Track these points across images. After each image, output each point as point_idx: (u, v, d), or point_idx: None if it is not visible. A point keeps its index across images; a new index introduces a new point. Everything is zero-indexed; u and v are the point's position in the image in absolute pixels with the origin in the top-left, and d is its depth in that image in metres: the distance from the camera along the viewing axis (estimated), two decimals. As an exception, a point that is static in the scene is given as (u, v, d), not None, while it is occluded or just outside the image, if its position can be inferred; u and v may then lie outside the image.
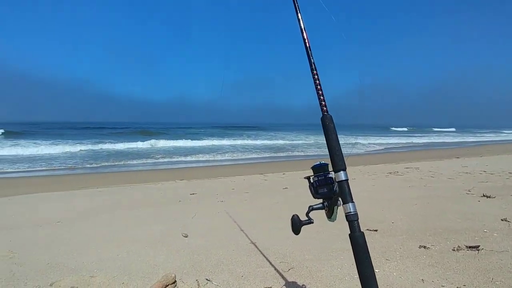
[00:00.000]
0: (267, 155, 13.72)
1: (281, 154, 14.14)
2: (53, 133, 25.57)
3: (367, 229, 2.68)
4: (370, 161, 9.51)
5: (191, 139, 20.14)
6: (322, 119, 1.11)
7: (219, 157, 12.81)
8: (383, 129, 49.02)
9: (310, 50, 1.20)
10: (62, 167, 9.75)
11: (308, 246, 2.45)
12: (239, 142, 20.38)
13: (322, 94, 1.15)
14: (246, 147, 17.67)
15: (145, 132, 29.04)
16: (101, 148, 15.07)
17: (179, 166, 10.27)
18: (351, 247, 0.96)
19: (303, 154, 14.35)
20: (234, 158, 12.69)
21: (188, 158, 12.33)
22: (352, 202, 1.04)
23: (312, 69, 1.17)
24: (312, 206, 1.20)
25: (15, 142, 17.03)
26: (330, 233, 2.69)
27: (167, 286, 1.35)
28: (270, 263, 2.15)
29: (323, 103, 1.14)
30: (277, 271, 2.02)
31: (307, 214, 1.18)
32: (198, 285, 1.87)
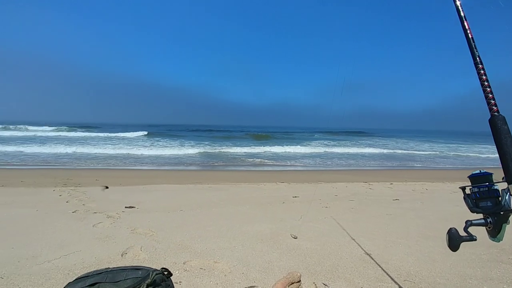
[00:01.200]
0: (373, 163, 12.81)
1: (389, 163, 12.96)
2: (178, 135, 29.60)
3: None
4: None
5: (293, 145, 20.29)
6: (492, 120, 0.95)
7: (318, 162, 12.63)
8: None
9: (473, 41, 1.05)
10: (182, 164, 11.25)
11: (437, 267, 2.15)
12: (338, 149, 18.95)
13: (491, 91, 0.98)
14: (347, 153, 16.73)
15: (252, 135, 30.85)
16: (212, 150, 16.22)
17: (278, 169, 10.55)
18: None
19: (411, 164, 12.83)
20: (334, 163, 12.31)
21: (288, 162, 12.55)
22: (538, 221, 0.85)
23: (476, 63, 1.02)
24: (471, 221, 1.03)
25: (154, 141, 21.00)
26: (463, 256, 2.31)
27: (293, 283, 1.36)
28: (392, 279, 1.97)
29: (493, 101, 0.97)
30: (402, 289, 1.83)
31: (465, 230, 1.02)
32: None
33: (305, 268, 2.16)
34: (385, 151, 18.35)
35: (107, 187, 3.97)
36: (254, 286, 1.86)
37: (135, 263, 2.24)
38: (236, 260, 2.30)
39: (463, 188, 1.11)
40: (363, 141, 27.99)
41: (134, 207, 4.09)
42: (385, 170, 10.60)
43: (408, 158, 15.26)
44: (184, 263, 2.21)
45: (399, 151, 18.25)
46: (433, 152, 18.09)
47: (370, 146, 21.99)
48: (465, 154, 17.69)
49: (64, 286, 1.07)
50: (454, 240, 1.01)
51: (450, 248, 1.02)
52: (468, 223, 1.03)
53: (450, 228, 1.04)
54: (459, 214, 3.83)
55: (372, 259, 2.31)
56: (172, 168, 10.16)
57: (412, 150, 19.39)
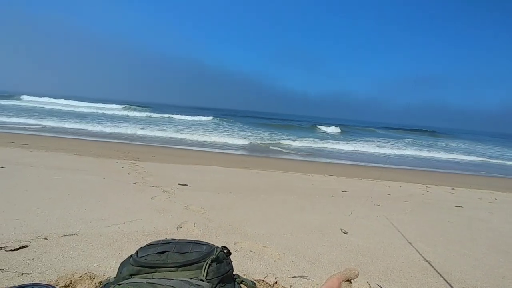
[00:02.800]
0: (429, 164, 11.88)
1: (450, 165, 11.91)
2: (237, 120, 29.33)
3: None
4: None
5: (350, 140, 19.11)
6: None
7: (370, 158, 12.06)
8: None
9: None
10: (232, 148, 11.57)
11: (507, 285, 1.93)
12: (408, 151, 15.91)
13: None
14: (408, 155, 14.79)
15: (312, 127, 29.64)
16: (269, 141, 15.12)
17: (326, 161, 10.29)
18: None
19: (476, 169, 11.61)
20: (388, 161, 11.64)
21: (337, 155, 12.19)
22: None
23: None
24: None
25: (215, 126, 21.58)
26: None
27: (349, 280, 1.29)
28: (456, 291, 1.81)
29: None
30: (469, 304, 1.67)
31: None
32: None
33: (357, 265, 2.08)
34: (462, 157, 15.73)
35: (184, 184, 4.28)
36: (304, 276, 1.85)
37: (190, 238, 2.35)
38: (285, 247, 2.30)
39: None
40: (430, 142, 25.28)
41: (187, 185, 4.29)
42: (444, 173, 9.74)
43: (472, 163, 13.84)
44: (234, 244, 2.27)
45: (465, 157, 16.23)
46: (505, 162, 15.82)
47: (430, 146, 20.20)
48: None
49: (135, 248, 1.14)
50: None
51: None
52: None
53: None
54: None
55: (432, 266, 2.14)
56: (222, 151, 10.48)
57: (474, 156, 17.39)
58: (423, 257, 2.30)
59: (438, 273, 2.04)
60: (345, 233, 2.75)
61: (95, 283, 1.53)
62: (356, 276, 1.49)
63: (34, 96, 37.57)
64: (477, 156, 16.44)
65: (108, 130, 13.47)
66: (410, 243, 2.60)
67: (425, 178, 7.54)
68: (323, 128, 29.76)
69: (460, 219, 3.62)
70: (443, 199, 4.85)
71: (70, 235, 2.10)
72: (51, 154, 5.72)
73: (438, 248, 2.55)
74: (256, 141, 14.38)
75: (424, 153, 15.78)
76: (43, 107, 23.70)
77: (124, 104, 40.55)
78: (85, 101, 37.43)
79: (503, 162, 15.32)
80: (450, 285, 1.87)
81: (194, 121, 25.05)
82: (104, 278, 1.56)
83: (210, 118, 27.59)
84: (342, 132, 27.98)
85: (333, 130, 28.86)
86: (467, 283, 1.93)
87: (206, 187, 4.28)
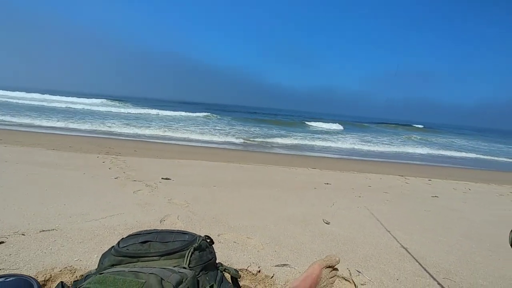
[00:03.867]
0: (409, 156, 12.25)
1: (428, 158, 12.32)
2: (232, 116, 28.54)
3: None
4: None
5: (331, 134, 19.17)
6: None
7: (353, 153, 12.30)
8: None
9: None
10: (215, 142, 11.51)
11: (479, 269, 2.04)
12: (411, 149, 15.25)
13: None
14: (388, 151, 14.36)
15: (301, 123, 28.68)
16: (260, 139, 14.38)
17: (309, 154, 10.43)
18: None
19: (451, 161, 12.10)
20: (369, 153, 11.93)
21: (320, 149, 12.36)
22: None
23: None
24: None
25: (206, 122, 20.99)
26: (509, 261, 2.16)
27: (330, 267, 1.34)
28: (430, 275, 1.90)
29: None
30: (442, 287, 1.76)
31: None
32: (350, 274, 1.83)
33: (338, 254, 2.15)
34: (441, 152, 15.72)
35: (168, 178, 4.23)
36: (286, 265, 1.89)
37: (173, 230, 2.35)
38: (268, 238, 2.33)
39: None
40: (425, 137, 25.32)
41: (170, 179, 4.26)
42: (422, 165, 10.09)
43: (448, 155, 14.39)
44: (218, 235, 2.29)
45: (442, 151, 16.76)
46: (477, 155, 16.45)
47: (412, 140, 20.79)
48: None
49: (117, 241, 1.14)
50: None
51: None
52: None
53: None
54: (508, 218, 3.57)
55: (409, 253, 2.24)
56: (208, 145, 10.42)
57: (452, 149, 18.09)
58: (400, 244, 2.40)
59: (414, 258, 2.14)
60: (327, 223, 2.82)
61: (76, 277, 1.51)
62: (337, 262, 1.53)
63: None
64: (458, 151, 17.07)
65: (88, 124, 13.08)
66: (389, 231, 2.70)
67: (405, 170, 7.79)
68: (325, 125, 28.11)
69: (435, 208, 3.78)
70: (420, 190, 5.04)
71: (48, 230, 2.05)
72: (28, 150, 5.52)
73: (415, 235, 2.66)
74: (244, 136, 14.31)
75: (429, 150, 15.59)
76: (17, 102, 22.61)
77: (108, 98, 39.29)
78: (67, 96, 35.74)
79: (478, 156, 16.02)
80: (425, 269, 1.97)
81: (182, 116, 24.45)
82: (85, 272, 1.54)
83: (200, 113, 26.85)
84: (344, 129, 26.47)
85: (336, 127, 27.33)
86: (441, 267, 2.03)
87: (190, 181, 4.26)
